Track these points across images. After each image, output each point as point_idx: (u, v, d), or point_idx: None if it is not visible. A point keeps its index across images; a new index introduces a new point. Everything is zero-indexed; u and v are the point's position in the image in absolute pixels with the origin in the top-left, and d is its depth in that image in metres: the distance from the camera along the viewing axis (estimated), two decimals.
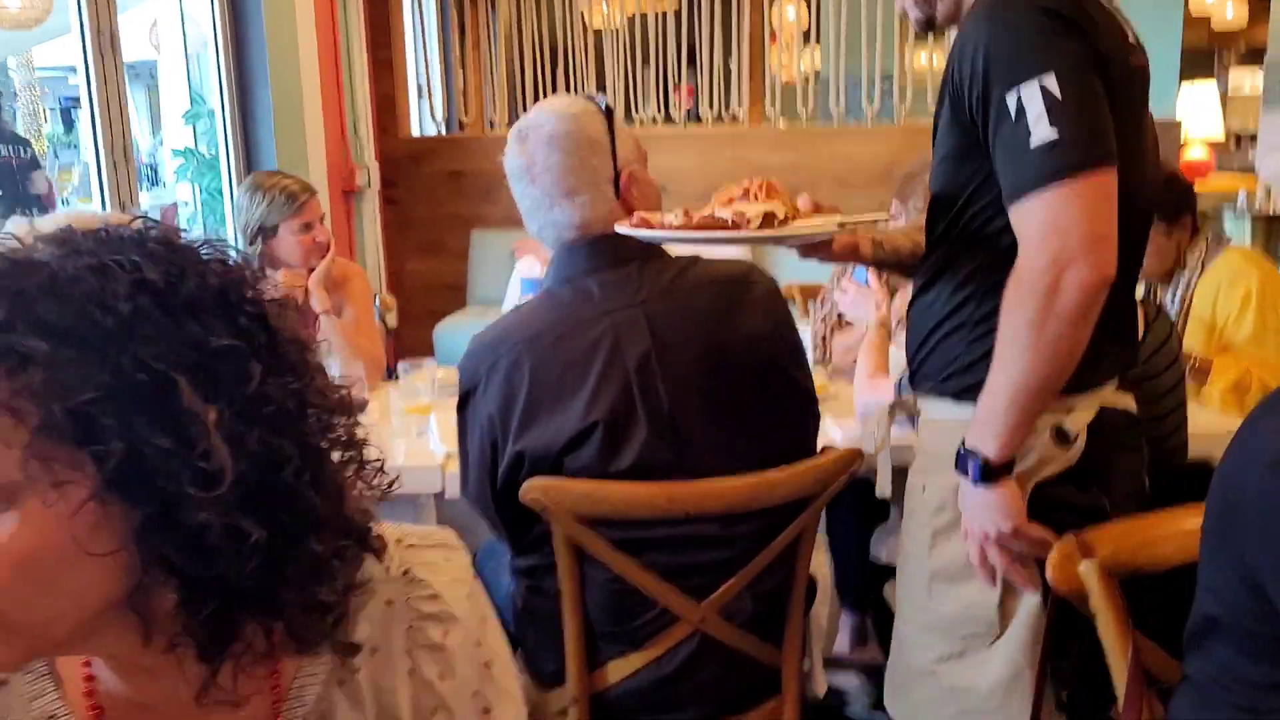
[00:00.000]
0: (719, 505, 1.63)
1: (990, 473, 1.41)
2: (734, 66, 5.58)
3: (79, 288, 0.67)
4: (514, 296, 3.63)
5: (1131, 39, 1.41)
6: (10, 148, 6.12)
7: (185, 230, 0.75)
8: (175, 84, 5.13)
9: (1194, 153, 6.29)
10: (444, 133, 5.88)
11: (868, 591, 2.67)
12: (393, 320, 4.35)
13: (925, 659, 1.60)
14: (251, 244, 2.92)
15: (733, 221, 1.46)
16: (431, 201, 5.47)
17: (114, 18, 3.74)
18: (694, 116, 5.92)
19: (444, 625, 0.86)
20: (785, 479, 1.65)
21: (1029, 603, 1.50)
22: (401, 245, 5.50)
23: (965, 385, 1.48)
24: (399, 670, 0.85)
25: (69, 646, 0.73)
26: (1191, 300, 2.81)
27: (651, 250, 1.69)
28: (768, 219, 1.45)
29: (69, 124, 12.06)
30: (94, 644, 0.74)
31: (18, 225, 1.55)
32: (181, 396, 0.67)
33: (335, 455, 0.76)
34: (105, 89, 3.82)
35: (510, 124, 5.36)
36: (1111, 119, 1.30)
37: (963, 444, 1.44)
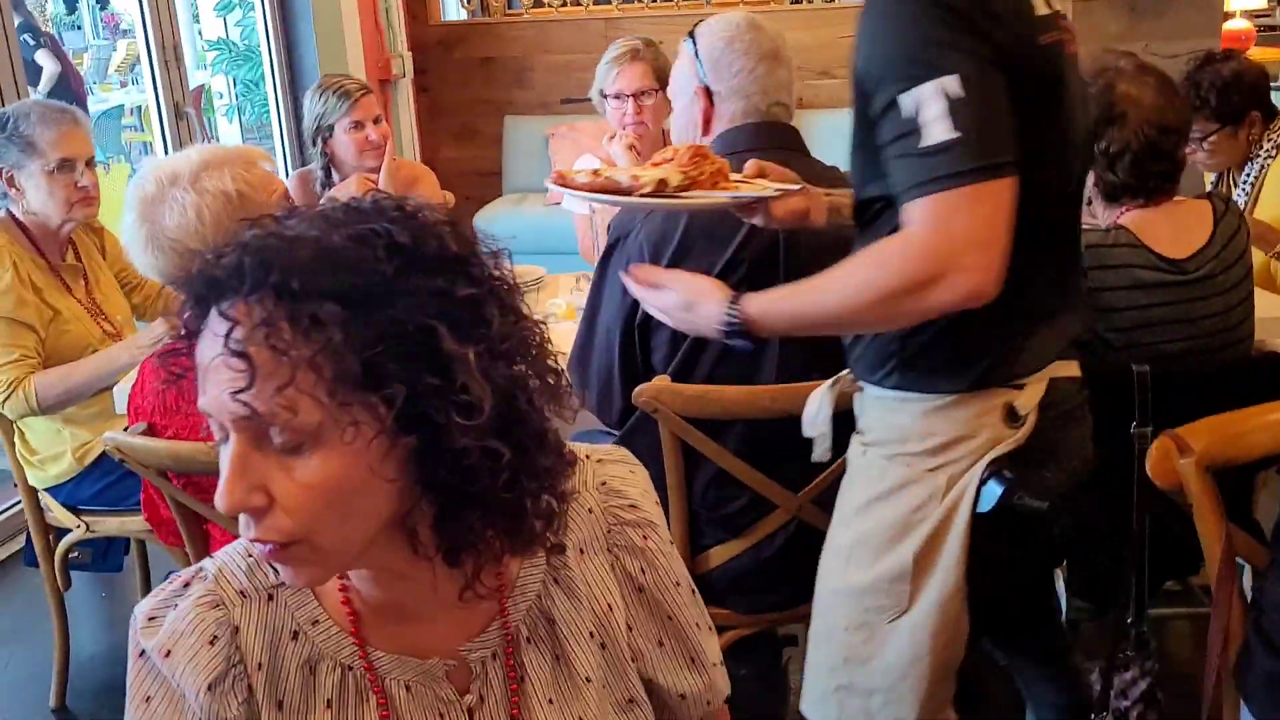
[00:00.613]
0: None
1: (744, 335, 1.40)
2: None
3: (348, 255, 0.76)
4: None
5: (1044, 10, 1.32)
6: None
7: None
8: None
9: (1235, 24, 6.15)
10: (472, 17, 5.79)
11: None
12: None
13: (829, 622, 1.55)
14: (314, 145, 2.96)
15: (627, 185, 1.52)
16: (463, 88, 5.42)
17: None
18: None
19: (643, 530, 0.97)
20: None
21: (943, 586, 1.43)
22: (435, 133, 5.48)
23: (903, 380, 1.43)
24: (604, 566, 0.95)
25: (355, 562, 0.84)
26: (1263, 181, 2.84)
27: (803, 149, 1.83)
28: (660, 185, 1.50)
29: (71, 5, 11.82)
30: (371, 557, 0.83)
31: (158, 168, 1.60)
32: (443, 341, 0.75)
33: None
34: None
35: (536, 6, 5.39)
36: (1014, 118, 1.24)
37: (734, 302, 1.41)
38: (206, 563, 0.92)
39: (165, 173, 1.62)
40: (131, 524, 2.43)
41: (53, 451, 2.45)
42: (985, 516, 1.38)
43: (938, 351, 1.38)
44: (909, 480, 1.43)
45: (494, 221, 4.85)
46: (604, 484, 0.97)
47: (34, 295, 2.34)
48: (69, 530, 2.47)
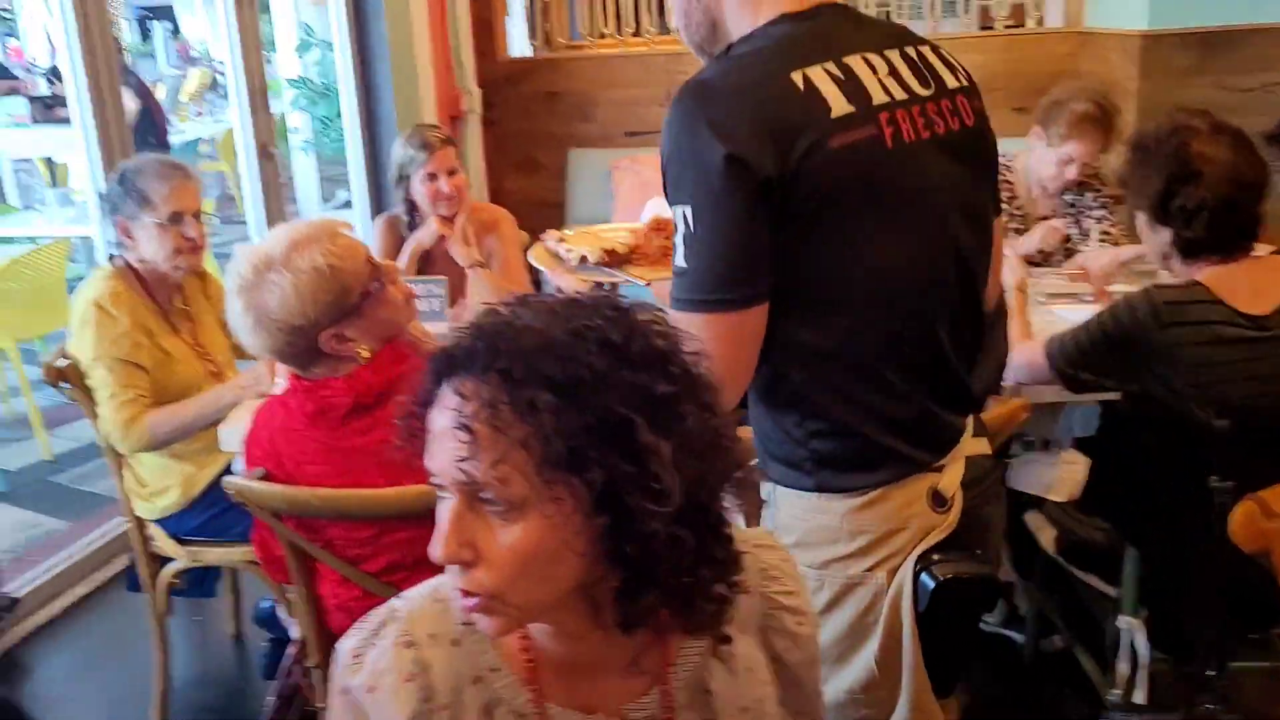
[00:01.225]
0: None
1: None
2: None
3: (566, 348, 0.83)
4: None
5: (845, 109, 1.25)
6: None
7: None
8: (284, 15, 5.20)
9: None
10: (536, 54, 5.87)
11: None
12: None
13: None
14: (397, 189, 3.05)
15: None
16: (528, 121, 5.49)
17: None
18: None
19: (798, 617, 1.04)
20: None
21: (912, 683, 1.39)
22: (500, 165, 5.56)
23: (821, 480, 1.37)
24: (758, 645, 1.02)
25: (538, 618, 0.91)
26: None
27: None
28: (607, 255, 1.76)
29: (145, 33, 12.15)
30: (555, 617, 0.91)
31: (252, 254, 1.68)
32: (641, 433, 0.82)
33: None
34: (243, 21, 3.89)
35: (600, 38, 5.47)
36: (766, 251, 1.23)
37: None
38: (396, 603, 1.00)
39: (259, 258, 1.69)
40: (233, 555, 2.52)
41: (161, 485, 2.53)
42: (940, 596, 1.34)
43: (850, 446, 1.34)
44: (851, 584, 1.39)
45: None
46: (764, 569, 1.03)
47: (147, 339, 2.44)
48: (173, 559, 2.56)
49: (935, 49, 1.40)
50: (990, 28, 5.27)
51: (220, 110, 8.74)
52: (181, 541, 2.55)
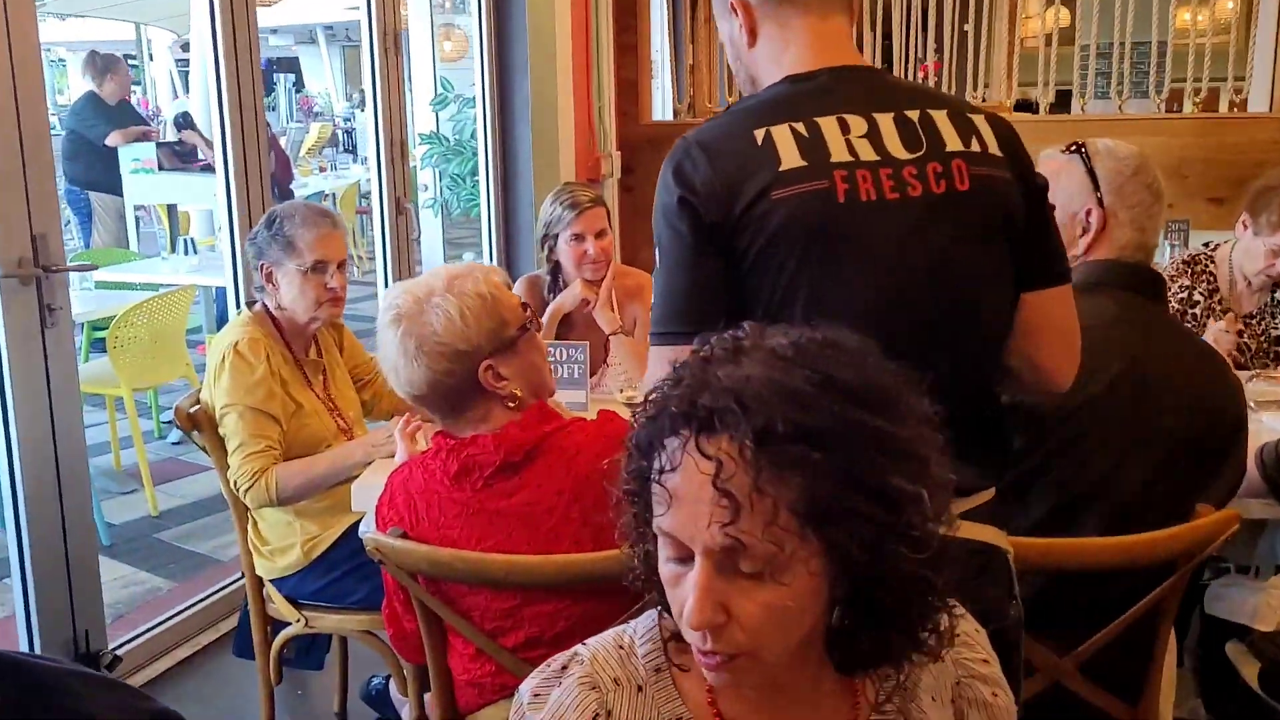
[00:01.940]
0: (1078, 563, 1.75)
1: None
2: (980, 33, 5.28)
3: (811, 399, 0.86)
4: None
5: (797, 162, 1.41)
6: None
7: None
8: (421, 69, 5.43)
9: None
10: (676, 117, 5.99)
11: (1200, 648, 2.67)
12: None
13: None
14: (543, 249, 3.13)
15: None
16: None
17: (398, 19, 4.03)
18: None
19: (992, 688, 1.07)
20: (1164, 540, 1.75)
21: None
22: (635, 232, 5.64)
23: None
24: (950, 714, 1.05)
25: (775, 666, 0.94)
26: None
27: None
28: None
29: (269, 87, 12.87)
30: (783, 664, 0.94)
31: (408, 289, 1.78)
32: (893, 481, 0.86)
33: None
34: (387, 67, 4.10)
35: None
36: (719, 290, 1.40)
37: None
38: (580, 649, 1.05)
39: (419, 289, 1.79)
40: (348, 623, 2.57)
41: (283, 543, 2.60)
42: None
43: None
44: None
45: None
46: (956, 635, 1.05)
47: (281, 388, 2.52)
48: (288, 623, 2.62)
49: (959, 113, 1.49)
50: (1177, 110, 5.22)
51: (341, 165, 9.15)
52: (298, 605, 2.60)
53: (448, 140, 5.12)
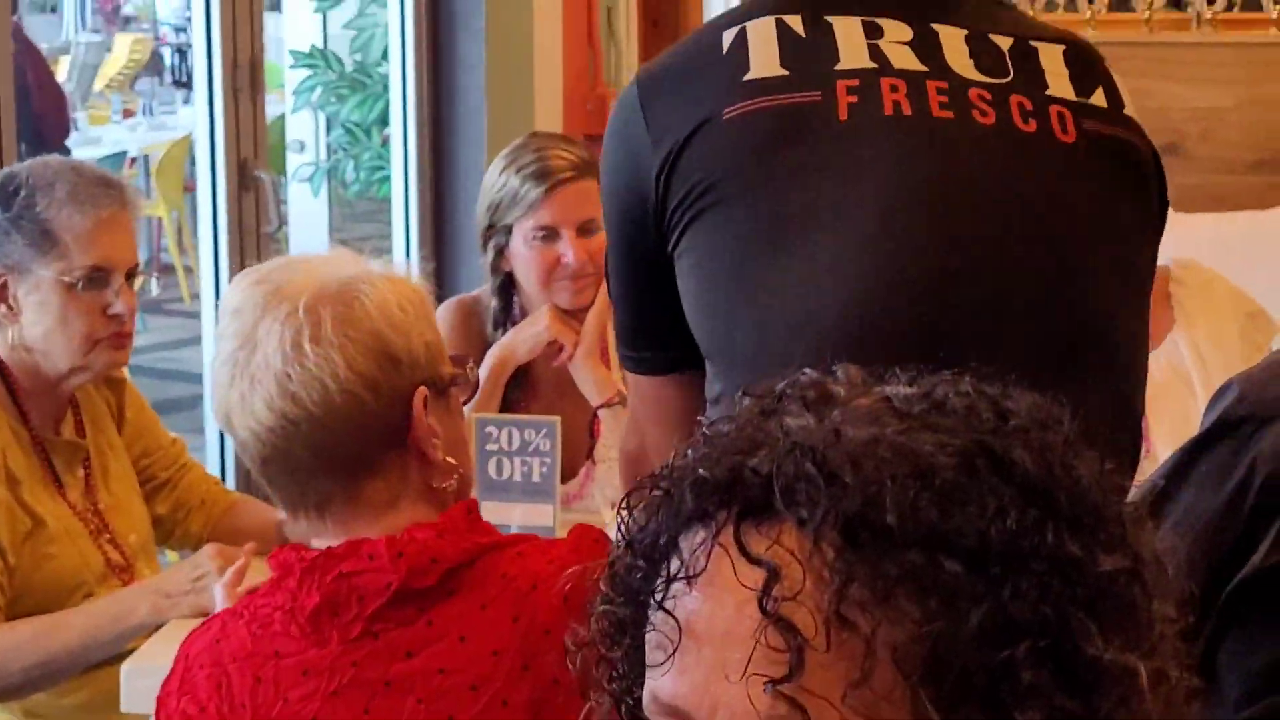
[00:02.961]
0: None
1: None
2: None
3: (958, 488, 0.73)
4: None
5: (789, 73, 1.37)
6: None
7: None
8: None
9: None
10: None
11: None
12: None
13: None
14: (485, 252, 2.71)
15: None
16: None
17: None
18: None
19: None
20: None
21: None
22: None
23: None
24: None
25: None
26: None
27: None
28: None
29: None
30: None
31: (315, 280, 1.66)
32: (1087, 644, 0.71)
33: None
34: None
35: None
36: (652, 307, 1.43)
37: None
38: None
39: (317, 263, 1.70)
40: None
41: None
42: None
43: None
44: None
45: None
46: None
47: (4, 491, 2.29)
48: None
49: (1083, 58, 1.47)
50: None
51: (165, 106, 8.20)
52: None
53: (340, 63, 4.55)
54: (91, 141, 7.35)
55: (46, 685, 2.25)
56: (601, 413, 2.68)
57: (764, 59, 1.35)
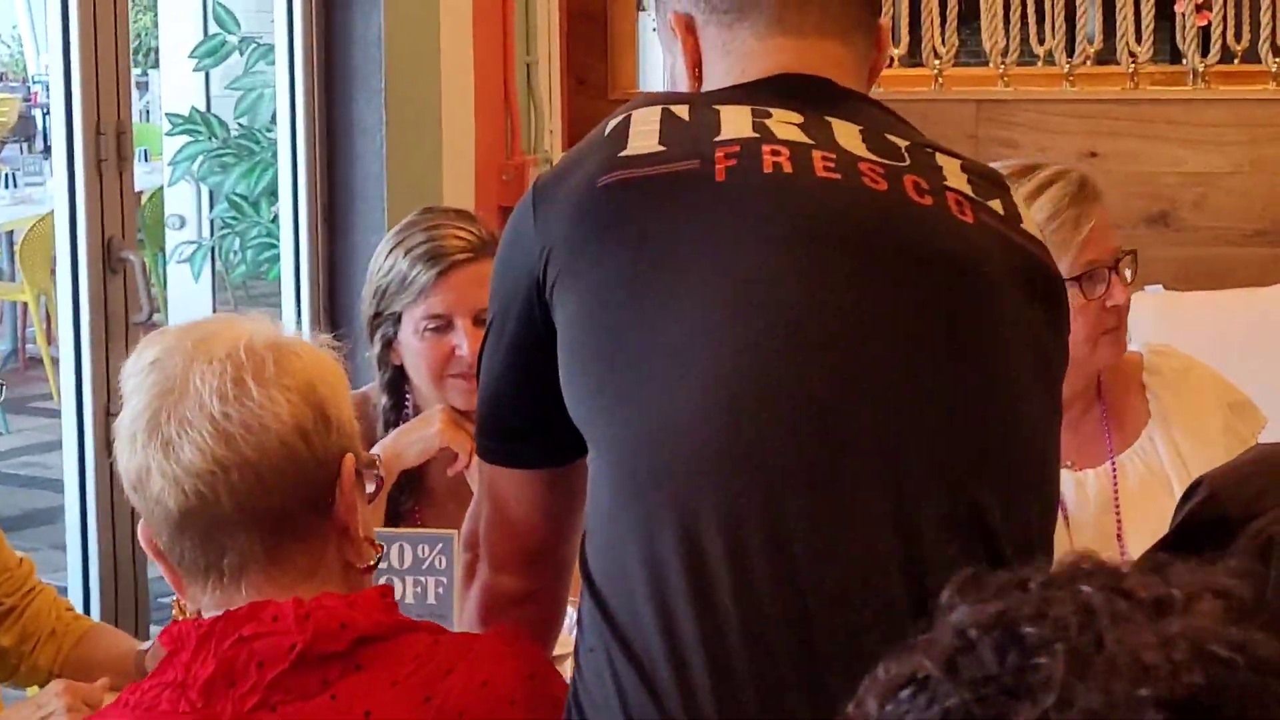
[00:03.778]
0: None
1: None
2: None
3: None
4: None
5: (666, 148, 1.43)
6: None
7: None
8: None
9: None
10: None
11: None
12: None
13: None
14: (372, 343, 2.71)
15: None
16: None
17: None
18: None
19: None
20: None
21: None
22: None
23: None
24: None
25: None
26: None
27: None
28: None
29: None
30: None
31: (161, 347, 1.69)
32: None
33: None
34: None
35: None
36: (515, 388, 1.52)
37: None
38: None
39: (250, 323, 1.74)
40: None
41: None
42: None
43: None
44: None
45: None
46: None
47: None
48: None
49: (985, 177, 1.51)
50: None
51: (31, 176, 8.11)
52: None
53: (224, 127, 4.54)
54: None
55: None
56: None
57: (643, 137, 1.44)
